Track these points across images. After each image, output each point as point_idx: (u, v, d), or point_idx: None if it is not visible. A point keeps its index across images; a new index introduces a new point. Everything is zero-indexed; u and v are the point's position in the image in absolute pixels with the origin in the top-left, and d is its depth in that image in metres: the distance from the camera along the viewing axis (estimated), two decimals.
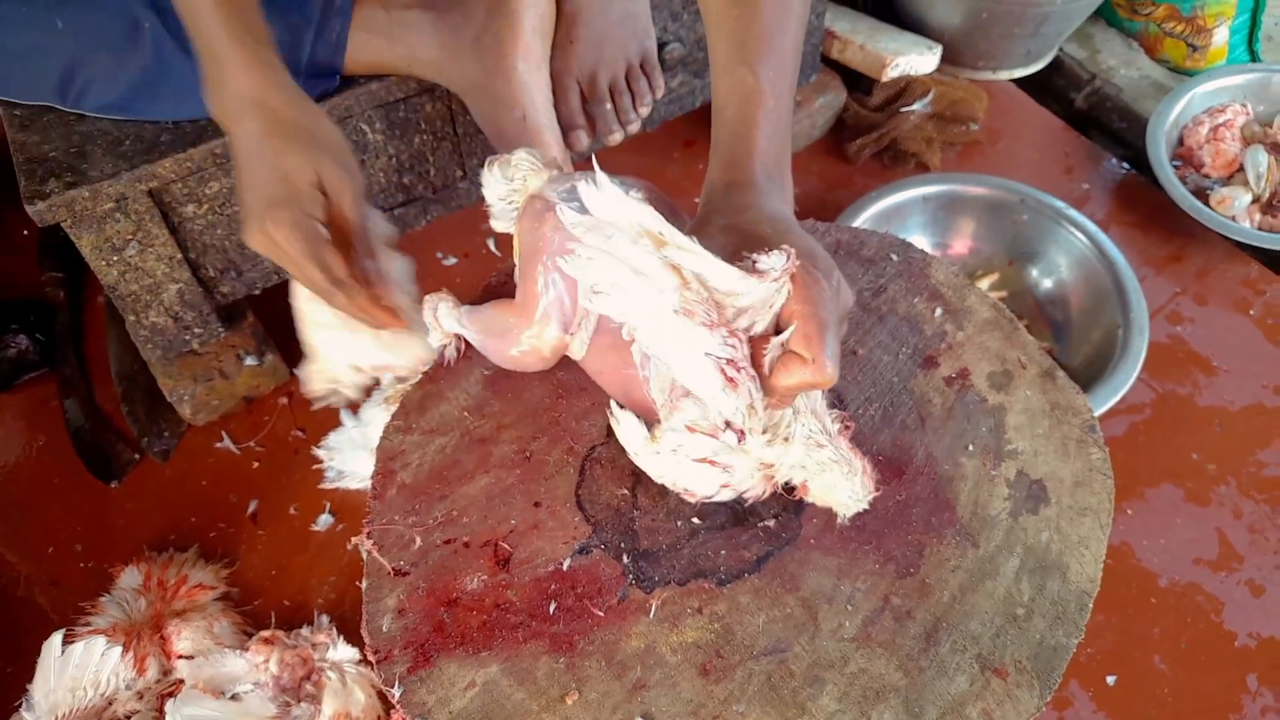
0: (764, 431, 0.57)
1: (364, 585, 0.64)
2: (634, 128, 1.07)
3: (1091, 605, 0.63)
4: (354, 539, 0.68)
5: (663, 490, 0.66)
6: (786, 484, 0.61)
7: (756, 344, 0.55)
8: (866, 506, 0.60)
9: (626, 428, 0.62)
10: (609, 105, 1.05)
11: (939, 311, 0.77)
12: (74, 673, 0.89)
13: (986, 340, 0.75)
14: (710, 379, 0.54)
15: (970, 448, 0.69)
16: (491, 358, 0.70)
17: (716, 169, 0.65)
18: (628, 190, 0.56)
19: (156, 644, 0.94)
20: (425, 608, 0.62)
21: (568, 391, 0.73)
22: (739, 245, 0.56)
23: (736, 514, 0.66)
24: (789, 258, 0.52)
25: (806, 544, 0.64)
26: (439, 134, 1.10)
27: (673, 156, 1.44)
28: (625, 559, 0.64)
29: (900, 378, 0.73)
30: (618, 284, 0.54)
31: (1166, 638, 1.00)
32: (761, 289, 0.53)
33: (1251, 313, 1.27)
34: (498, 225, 0.69)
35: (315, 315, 0.75)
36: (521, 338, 0.66)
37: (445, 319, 0.71)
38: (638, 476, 0.67)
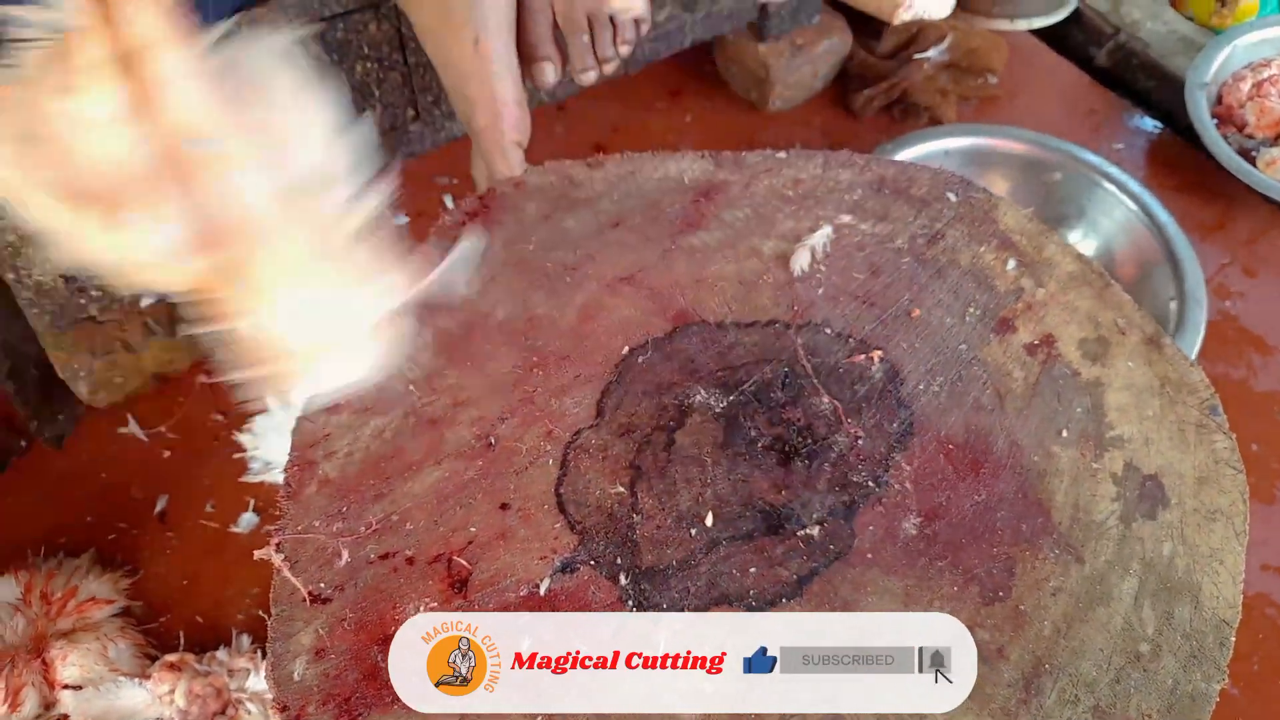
0: None
1: (271, 615, 0.49)
2: (611, 68, 0.91)
3: (1234, 639, 0.49)
4: (259, 551, 0.52)
5: (672, 489, 0.51)
6: None
7: None
8: None
9: None
10: (586, 37, 0.89)
11: (1012, 264, 0.62)
12: None
13: (1074, 299, 0.61)
14: None
15: (1064, 434, 0.54)
16: None
17: None
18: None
19: (36, 671, 0.82)
20: (353, 647, 0.48)
21: (544, 359, 0.57)
22: None
23: (769, 520, 0.50)
24: None
25: (862, 558, 0.49)
26: (386, 62, 0.94)
27: (655, 107, 1.28)
28: (623, 579, 0.49)
29: (969, 345, 0.58)
30: None
31: (1237, 658, 0.86)
32: None
33: None
34: None
35: None
36: None
37: None
38: (638, 470, 0.52)
